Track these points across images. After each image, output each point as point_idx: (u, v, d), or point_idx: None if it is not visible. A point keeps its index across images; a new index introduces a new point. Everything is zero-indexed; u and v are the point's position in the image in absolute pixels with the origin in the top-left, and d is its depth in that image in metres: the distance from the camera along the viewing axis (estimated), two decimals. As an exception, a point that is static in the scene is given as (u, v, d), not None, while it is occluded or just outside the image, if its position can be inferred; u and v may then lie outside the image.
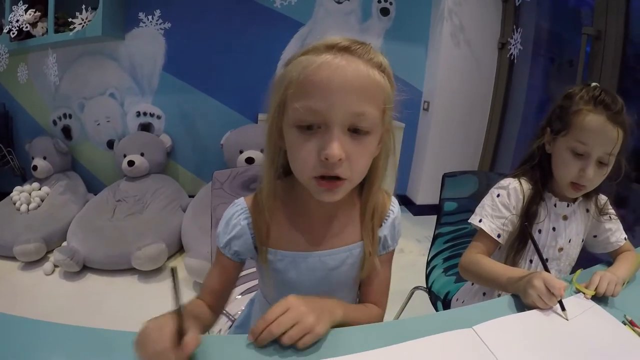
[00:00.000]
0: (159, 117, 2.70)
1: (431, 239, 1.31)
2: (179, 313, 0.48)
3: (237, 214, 0.66)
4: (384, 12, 2.74)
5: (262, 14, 2.55)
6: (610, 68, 1.84)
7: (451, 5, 2.64)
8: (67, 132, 2.69)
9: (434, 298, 1.23)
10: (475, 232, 0.94)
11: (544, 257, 0.87)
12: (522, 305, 0.69)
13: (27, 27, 2.28)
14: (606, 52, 1.85)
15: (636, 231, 1.72)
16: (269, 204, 0.63)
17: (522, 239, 0.90)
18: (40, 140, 2.51)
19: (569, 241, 0.92)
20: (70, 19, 2.24)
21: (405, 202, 3.07)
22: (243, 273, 1.09)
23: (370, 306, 0.71)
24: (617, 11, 1.81)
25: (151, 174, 2.53)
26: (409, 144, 3.00)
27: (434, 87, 2.81)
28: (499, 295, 0.90)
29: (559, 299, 0.66)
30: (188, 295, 0.67)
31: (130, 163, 2.41)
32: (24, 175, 2.61)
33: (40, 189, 2.40)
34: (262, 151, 1.89)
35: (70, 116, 2.66)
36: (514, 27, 2.53)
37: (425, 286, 1.28)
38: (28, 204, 2.28)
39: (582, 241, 0.96)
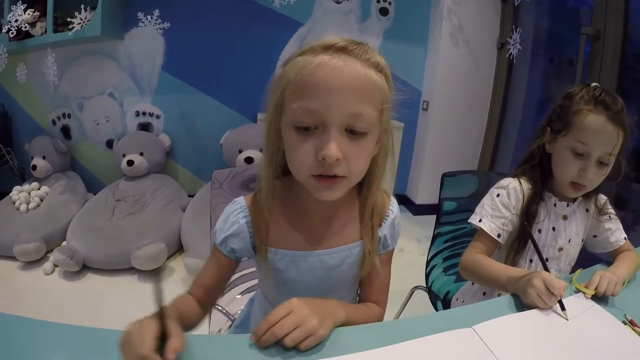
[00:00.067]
0: (158, 117, 2.69)
1: (431, 239, 1.31)
2: (162, 316, 0.47)
3: (236, 212, 0.66)
4: (383, 12, 2.74)
5: (261, 13, 2.55)
6: (609, 68, 1.84)
7: (450, 5, 2.64)
8: (66, 131, 2.69)
9: (433, 298, 1.23)
10: (475, 232, 0.94)
11: (544, 257, 0.87)
12: (522, 305, 0.69)
13: (26, 27, 2.28)
14: (605, 51, 1.86)
15: (636, 231, 1.73)
16: (267, 204, 0.63)
17: (522, 238, 0.90)
18: (40, 140, 2.51)
19: (569, 241, 0.93)
20: (69, 19, 2.24)
21: (405, 201, 3.07)
22: (243, 273, 1.10)
23: (370, 305, 0.72)
24: (616, 11, 1.81)
25: (150, 173, 2.53)
26: (408, 143, 3.00)
27: (433, 87, 2.81)
28: (499, 295, 0.90)
29: (558, 298, 0.66)
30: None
31: (130, 163, 2.41)
32: (23, 175, 2.61)
33: (39, 189, 2.40)
34: (261, 151, 1.89)
35: (69, 116, 2.66)
36: (513, 27, 2.53)
37: (425, 286, 1.28)
38: (27, 204, 2.27)
39: (582, 241, 0.96)
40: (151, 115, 2.68)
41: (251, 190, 0.67)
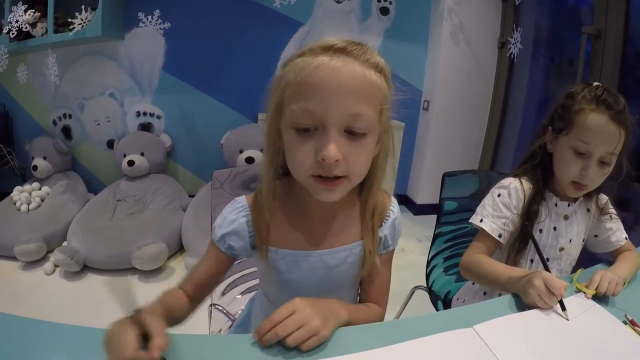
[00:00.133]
0: (158, 117, 2.70)
1: (431, 239, 1.31)
2: (138, 318, 0.47)
3: (236, 210, 0.66)
4: (384, 11, 2.74)
5: (261, 13, 2.55)
6: (610, 67, 1.84)
7: (451, 4, 2.64)
8: (67, 132, 2.69)
9: (434, 297, 1.23)
10: (475, 232, 0.94)
11: (545, 257, 0.87)
12: (522, 304, 0.69)
13: (26, 28, 2.28)
14: (606, 51, 1.85)
15: (637, 231, 1.72)
16: (268, 204, 0.63)
17: (523, 238, 0.90)
18: (40, 140, 2.51)
19: (570, 241, 0.92)
20: (69, 19, 2.24)
21: (406, 201, 3.07)
22: (243, 273, 1.10)
23: (371, 305, 0.72)
24: (617, 10, 1.81)
25: (151, 173, 2.53)
26: (409, 143, 3.00)
27: (434, 87, 2.80)
28: (499, 295, 0.90)
29: (559, 298, 0.66)
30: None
31: (130, 163, 2.41)
32: (24, 175, 2.61)
33: (40, 189, 2.40)
34: (262, 151, 1.90)
35: (70, 116, 2.66)
36: (514, 26, 2.53)
37: (425, 286, 1.28)
38: (28, 204, 2.28)
39: (583, 241, 0.96)
40: (152, 115, 2.68)
41: (252, 190, 0.67)
